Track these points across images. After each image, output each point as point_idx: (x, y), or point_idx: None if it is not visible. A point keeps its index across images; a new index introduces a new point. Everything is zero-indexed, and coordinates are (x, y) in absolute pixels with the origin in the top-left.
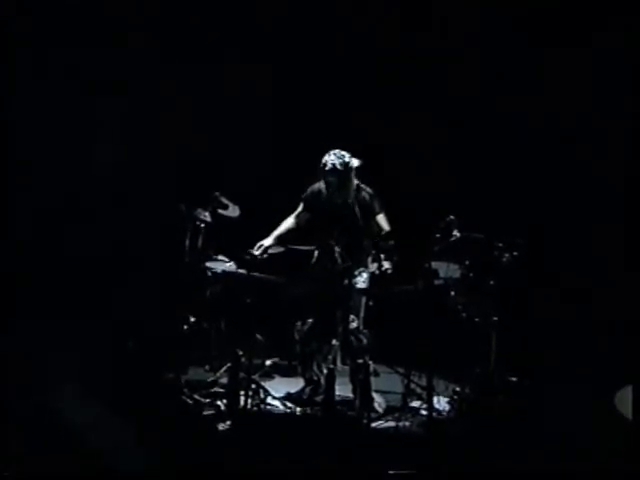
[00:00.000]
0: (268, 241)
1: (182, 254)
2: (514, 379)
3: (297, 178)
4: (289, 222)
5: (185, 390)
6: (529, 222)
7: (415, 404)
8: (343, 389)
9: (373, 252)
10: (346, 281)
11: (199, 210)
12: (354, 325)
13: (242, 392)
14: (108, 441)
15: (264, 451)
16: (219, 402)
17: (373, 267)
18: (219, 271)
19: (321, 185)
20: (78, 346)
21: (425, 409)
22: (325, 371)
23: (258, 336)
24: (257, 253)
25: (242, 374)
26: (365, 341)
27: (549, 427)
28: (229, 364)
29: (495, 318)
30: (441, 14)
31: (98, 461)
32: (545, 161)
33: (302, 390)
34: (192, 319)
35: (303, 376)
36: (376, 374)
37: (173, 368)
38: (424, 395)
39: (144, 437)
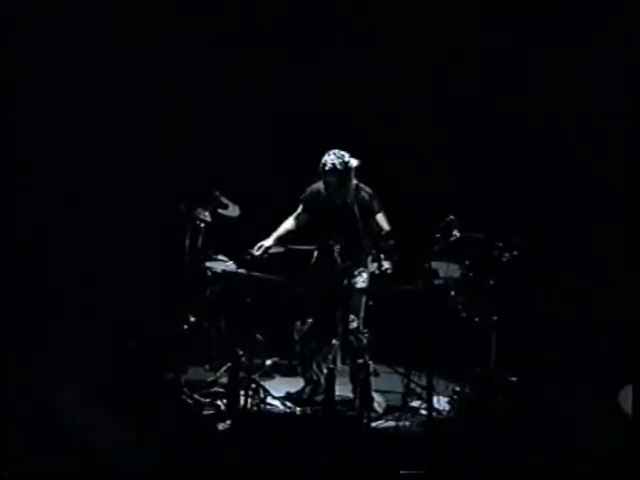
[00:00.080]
0: (268, 242)
1: (182, 254)
2: (514, 379)
3: (297, 178)
4: (289, 223)
5: (185, 390)
6: (529, 222)
7: (415, 404)
8: (343, 389)
9: (373, 252)
10: (346, 281)
11: (199, 210)
12: (354, 325)
13: (242, 392)
14: (108, 441)
15: (264, 451)
16: (219, 402)
17: (373, 267)
18: (219, 271)
19: (320, 185)
20: (78, 346)
21: (425, 409)
22: (325, 371)
23: (258, 336)
24: (257, 253)
25: (242, 374)
26: (365, 341)
27: (549, 427)
28: (229, 364)
29: (495, 318)
30: (441, 14)
31: (98, 461)
32: (545, 161)
33: (302, 390)
34: (192, 319)
35: (303, 376)
36: (376, 374)
37: (173, 368)
38: (424, 395)
39: (144, 437)
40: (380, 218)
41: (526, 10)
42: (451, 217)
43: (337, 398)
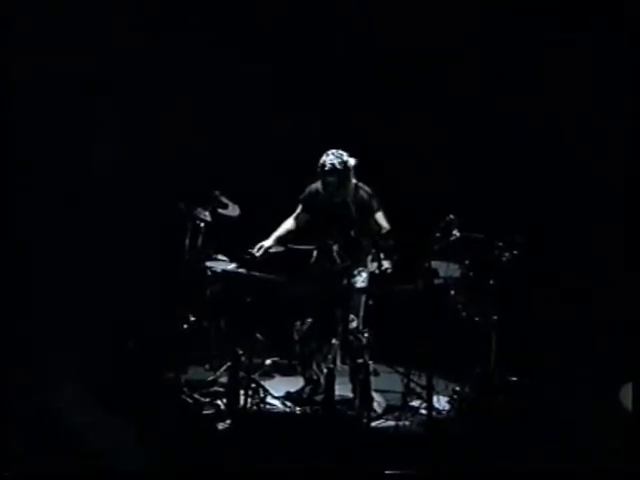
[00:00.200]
0: (268, 242)
1: (182, 253)
2: (514, 379)
3: (297, 178)
4: (289, 223)
5: (185, 389)
6: (529, 222)
7: (415, 403)
8: (343, 388)
9: (373, 251)
10: (345, 281)
11: (199, 209)
12: (354, 324)
13: (242, 391)
14: (108, 441)
15: (264, 450)
16: (219, 401)
17: (373, 266)
18: (219, 270)
19: (318, 185)
20: (78, 346)
21: (425, 408)
22: (325, 370)
23: (258, 335)
24: (257, 253)
25: (242, 373)
26: (365, 341)
27: (549, 427)
28: (229, 363)
29: (495, 318)
30: (441, 13)
31: (98, 461)
32: (545, 161)
33: (302, 389)
34: (192, 318)
35: (303, 375)
36: (376, 373)
37: (173, 367)
38: (424, 394)
39: (144, 437)
40: (379, 217)
41: (526, 10)
42: (451, 217)
43: (337, 398)
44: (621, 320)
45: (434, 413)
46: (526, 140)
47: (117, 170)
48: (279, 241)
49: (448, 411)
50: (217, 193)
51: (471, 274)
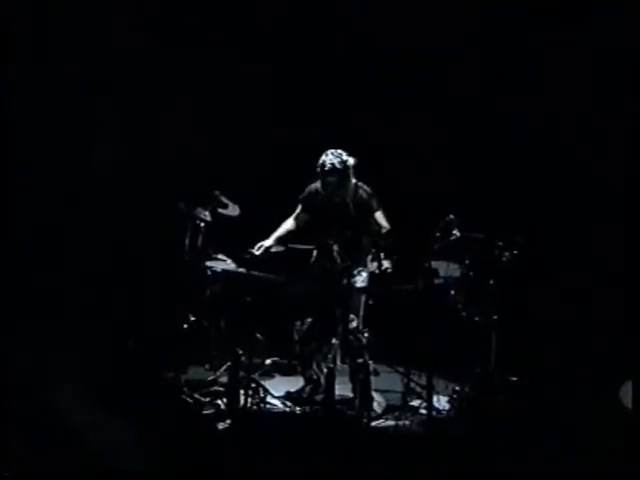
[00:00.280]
0: (268, 242)
1: (182, 253)
2: (514, 379)
3: (297, 178)
4: (289, 224)
5: (185, 389)
6: (529, 221)
7: (415, 403)
8: (343, 388)
9: (373, 251)
10: (345, 280)
11: (199, 209)
12: (354, 324)
13: (242, 391)
14: (108, 441)
15: (264, 450)
16: (219, 401)
17: (373, 266)
18: (219, 270)
19: (318, 185)
20: (78, 346)
21: (425, 408)
22: (325, 370)
23: (258, 335)
24: (257, 253)
25: (242, 373)
26: (365, 340)
27: (549, 427)
28: (229, 363)
29: (495, 318)
30: (441, 13)
31: (98, 461)
32: (545, 161)
33: (302, 389)
34: (192, 318)
35: (303, 375)
36: (376, 373)
37: (173, 367)
38: (424, 394)
39: (144, 437)
40: (379, 216)
41: (526, 10)
42: (451, 216)
43: (337, 397)
44: (621, 320)
45: (434, 413)
46: (526, 140)
47: (117, 170)
48: (279, 241)
49: (448, 411)
50: (217, 193)
51: (471, 274)
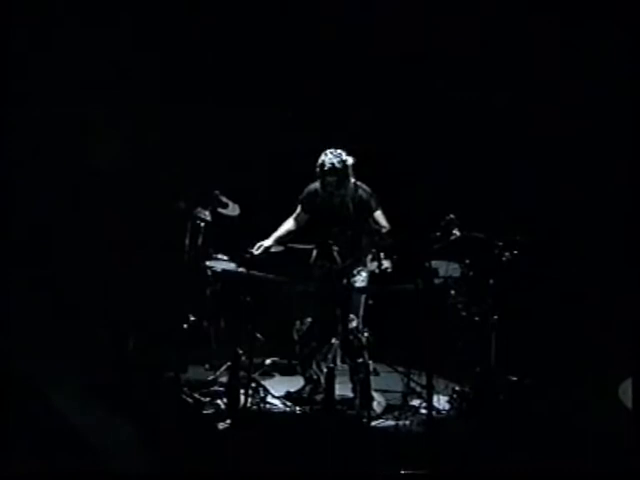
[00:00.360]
0: (268, 242)
1: (182, 253)
2: (514, 379)
3: (297, 178)
4: (288, 224)
5: (185, 389)
6: (529, 222)
7: (415, 403)
8: (343, 388)
9: (373, 251)
10: (345, 280)
11: (199, 209)
12: (353, 324)
13: (242, 391)
14: (108, 441)
15: (264, 450)
16: (219, 401)
17: (373, 266)
18: (219, 270)
19: (317, 185)
20: (78, 346)
21: (425, 408)
22: (325, 370)
23: (258, 335)
24: (257, 253)
25: (242, 373)
26: (364, 340)
27: (549, 427)
28: (229, 363)
29: (495, 318)
30: (441, 13)
31: (98, 461)
32: (545, 161)
33: (302, 389)
34: (192, 318)
35: (303, 375)
36: (376, 373)
37: (173, 367)
38: (424, 394)
39: (144, 437)
40: (378, 216)
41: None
42: (451, 216)
43: (337, 397)
44: (621, 320)
45: (434, 413)
46: (526, 140)
47: (118, 170)
48: (279, 241)
49: (448, 411)
50: (217, 193)
51: (471, 274)
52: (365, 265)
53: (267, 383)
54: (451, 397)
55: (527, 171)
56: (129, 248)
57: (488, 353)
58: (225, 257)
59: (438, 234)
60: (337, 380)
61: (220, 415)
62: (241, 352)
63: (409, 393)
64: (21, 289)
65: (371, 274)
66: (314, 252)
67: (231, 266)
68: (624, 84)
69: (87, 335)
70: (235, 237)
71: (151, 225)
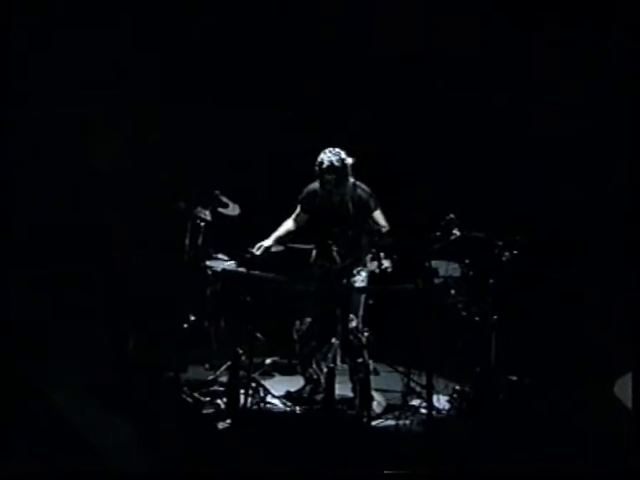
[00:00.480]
0: (268, 242)
1: (182, 253)
2: (514, 379)
3: (297, 178)
4: (288, 224)
5: (185, 389)
6: (529, 222)
7: (415, 403)
8: (343, 388)
9: (372, 250)
10: (345, 280)
11: (199, 209)
12: (353, 324)
13: (242, 391)
14: (108, 441)
15: (264, 450)
16: (219, 401)
17: (372, 266)
18: (219, 270)
19: (316, 185)
20: (78, 346)
21: (425, 408)
22: (325, 370)
23: (258, 335)
24: (257, 253)
25: (242, 372)
26: (364, 340)
27: (549, 427)
28: (229, 362)
29: (495, 318)
30: (441, 13)
31: (98, 461)
32: (545, 161)
33: (302, 389)
34: (192, 318)
35: (303, 375)
36: (376, 373)
37: (173, 367)
38: (424, 394)
39: (144, 437)
40: (377, 216)
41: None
42: (451, 216)
43: (337, 397)
44: (621, 320)
45: (434, 413)
46: (526, 140)
47: (118, 170)
48: (279, 241)
49: (448, 410)
50: (217, 193)
51: (471, 274)
52: (365, 265)
53: (267, 383)
54: (451, 397)
55: (527, 171)
56: (129, 248)
57: (488, 353)
58: (225, 257)
59: (438, 234)
60: (337, 380)
61: (220, 415)
62: (241, 352)
63: (409, 393)
64: (21, 289)
65: (371, 274)
66: (314, 252)
67: (231, 266)
68: (624, 84)
69: (87, 335)
70: (235, 237)
71: (151, 225)
